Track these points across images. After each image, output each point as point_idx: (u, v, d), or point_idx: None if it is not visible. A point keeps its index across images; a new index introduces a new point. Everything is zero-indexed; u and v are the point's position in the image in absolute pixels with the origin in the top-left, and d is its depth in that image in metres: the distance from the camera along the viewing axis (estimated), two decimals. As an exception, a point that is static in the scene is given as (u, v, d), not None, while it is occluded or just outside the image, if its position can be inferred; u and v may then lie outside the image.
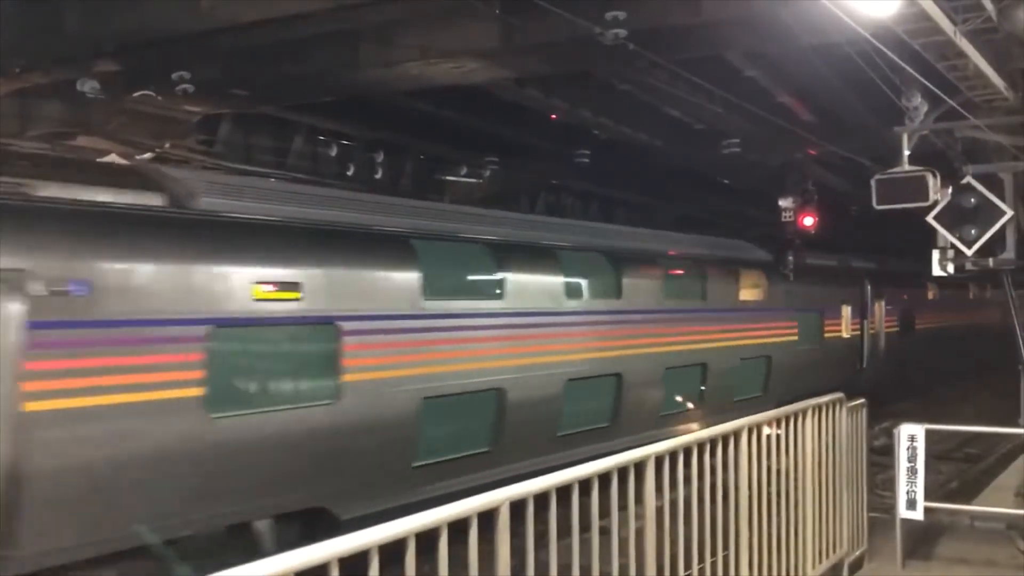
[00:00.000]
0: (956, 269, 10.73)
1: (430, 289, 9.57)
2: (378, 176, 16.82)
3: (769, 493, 6.35)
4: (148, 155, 12.12)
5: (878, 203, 10.12)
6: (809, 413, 6.92)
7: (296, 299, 8.18)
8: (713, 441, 5.73)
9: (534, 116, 15.24)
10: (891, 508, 8.20)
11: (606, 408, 12.24)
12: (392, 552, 3.40)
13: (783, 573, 6.46)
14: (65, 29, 9.91)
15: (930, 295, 25.04)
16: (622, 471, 4.79)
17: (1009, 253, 10.39)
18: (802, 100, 15.06)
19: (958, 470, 14.98)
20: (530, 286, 11.11)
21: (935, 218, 10.20)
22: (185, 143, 13.01)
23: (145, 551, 6.99)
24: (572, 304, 11.69)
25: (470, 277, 10.76)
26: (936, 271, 10.73)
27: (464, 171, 18.51)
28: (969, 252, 10.16)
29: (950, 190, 10.19)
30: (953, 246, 10.27)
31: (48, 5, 9.78)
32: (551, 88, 13.82)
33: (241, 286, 7.76)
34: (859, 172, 14.98)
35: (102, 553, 6.80)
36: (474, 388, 10.07)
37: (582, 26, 8.83)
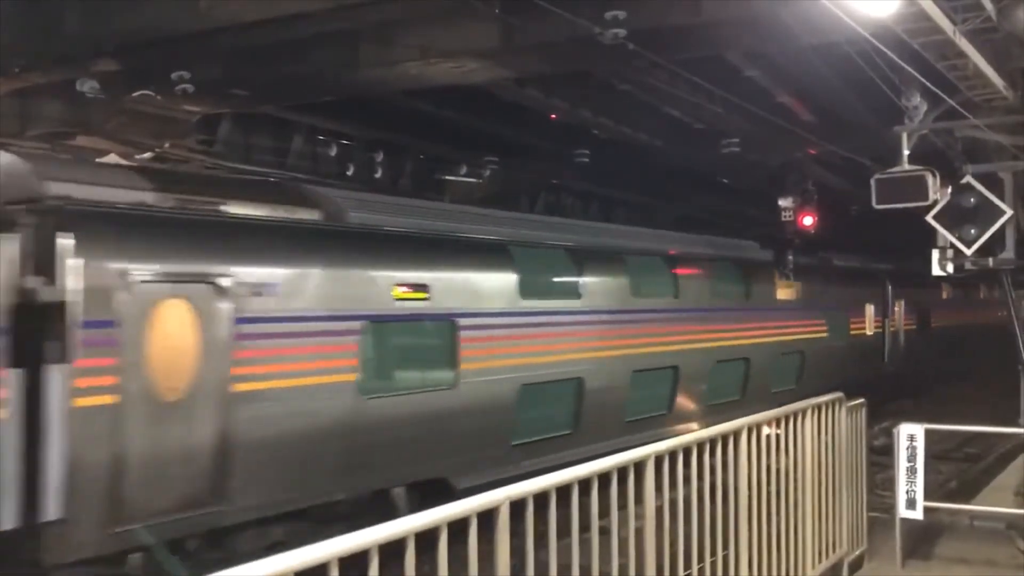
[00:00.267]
0: (956, 269, 10.74)
1: (525, 290, 10.95)
2: (378, 176, 16.80)
3: (769, 493, 6.35)
4: (148, 155, 12.13)
5: (878, 203, 10.13)
6: (808, 413, 6.93)
7: (425, 299, 9.59)
8: (713, 441, 5.74)
9: (534, 116, 15.25)
10: (891, 508, 8.21)
11: (664, 397, 13.42)
12: (392, 552, 3.40)
13: (783, 573, 6.46)
14: (65, 29, 9.93)
15: (944, 295, 25.73)
16: (622, 471, 4.80)
17: (1009, 253, 10.40)
18: (802, 100, 15.07)
19: (958, 470, 14.98)
20: (603, 287, 12.44)
21: (935, 218, 10.20)
22: (185, 143, 13.02)
23: (308, 513, 8.33)
24: (638, 302, 12.93)
25: (555, 279, 12.07)
26: (936, 271, 10.74)
27: (464, 171, 18.51)
28: (969, 252, 10.16)
29: (950, 190, 10.19)
30: (953, 246, 10.28)
31: (48, 5, 9.80)
32: (551, 88, 13.84)
33: (386, 288, 9.19)
34: (859, 172, 14.97)
35: (283, 511, 8.10)
36: (560, 377, 11.39)
37: (582, 26, 8.85)
